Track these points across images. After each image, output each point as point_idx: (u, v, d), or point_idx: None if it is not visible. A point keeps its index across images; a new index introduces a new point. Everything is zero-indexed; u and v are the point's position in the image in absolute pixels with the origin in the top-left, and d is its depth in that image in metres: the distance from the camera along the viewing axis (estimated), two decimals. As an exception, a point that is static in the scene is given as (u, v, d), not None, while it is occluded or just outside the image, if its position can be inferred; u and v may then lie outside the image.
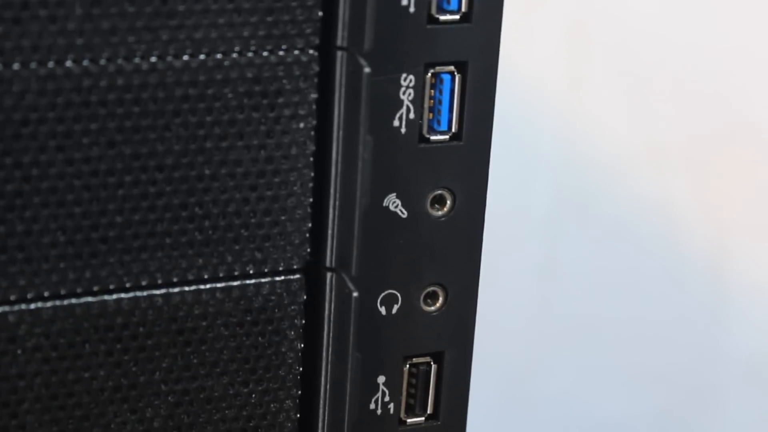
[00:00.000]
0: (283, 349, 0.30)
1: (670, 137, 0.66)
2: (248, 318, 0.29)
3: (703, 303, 0.68)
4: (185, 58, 0.27)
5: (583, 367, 0.70)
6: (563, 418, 0.71)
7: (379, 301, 0.30)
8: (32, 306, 0.28)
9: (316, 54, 0.28)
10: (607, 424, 0.70)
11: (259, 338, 0.30)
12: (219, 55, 0.27)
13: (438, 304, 0.31)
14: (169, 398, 0.29)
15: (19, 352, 0.28)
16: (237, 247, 0.29)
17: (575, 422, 0.70)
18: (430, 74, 0.29)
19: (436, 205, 0.30)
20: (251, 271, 0.29)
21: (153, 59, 0.27)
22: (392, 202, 0.30)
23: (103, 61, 0.27)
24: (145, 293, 0.28)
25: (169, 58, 0.27)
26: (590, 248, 0.69)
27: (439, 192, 0.30)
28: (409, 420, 0.31)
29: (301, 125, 0.29)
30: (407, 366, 0.31)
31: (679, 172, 0.67)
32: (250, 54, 0.28)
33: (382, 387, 0.31)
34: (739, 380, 0.68)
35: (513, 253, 0.69)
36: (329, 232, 0.30)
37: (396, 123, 0.29)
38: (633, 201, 0.68)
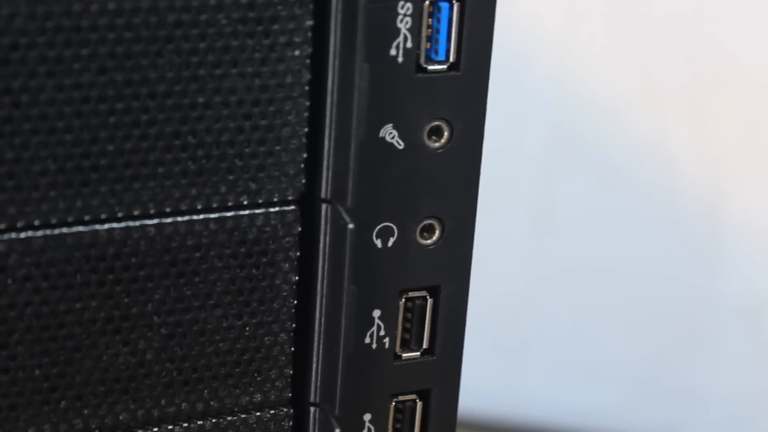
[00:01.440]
0: (278, 282, 0.29)
1: (667, 80, 0.65)
2: (242, 250, 0.29)
3: (698, 246, 0.68)
4: (178, -18, 0.27)
5: (577, 310, 0.70)
6: (556, 360, 0.70)
7: (374, 233, 0.30)
8: (22, 235, 0.27)
9: (311, -20, 0.28)
10: (600, 366, 0.70)
11: (253, 270, 0.29)
12: (213, -20, 0.27)
13: (434, 238, 0.30)
14: (162, 330, 0.29)
15: (9, 281, 0.27)
16: (231, 178, 0.28)
17: (568, 365, 0.70)
18: (428, 2, 0.28)
19: (434, 137, 0.30)
20: (245, 202, 0.29)
21: (145, -17, 0.26)
22: (389, 133, 0.29)
23: (94, -15, 0.26)
24: (137, 223, 0.28)
25: (162, -18, 0.27)
26: (585, 190, 0.68)
27: (437, 123, 0.30)
28: (404, 354, 0.31)
29: (297, 53, 0.28)
30: (403, 300, 0.30)
31: (675, 115, 0.66)
32: (244, -21, 0.27)
33: (377, 321, 0.30)
34: (733, 324, 0.68)
35: (506, 195, 0.68)
36: (325, 163, 0.29)
37: (393, 52, 0.28)
38: (628, 143, 0.68)
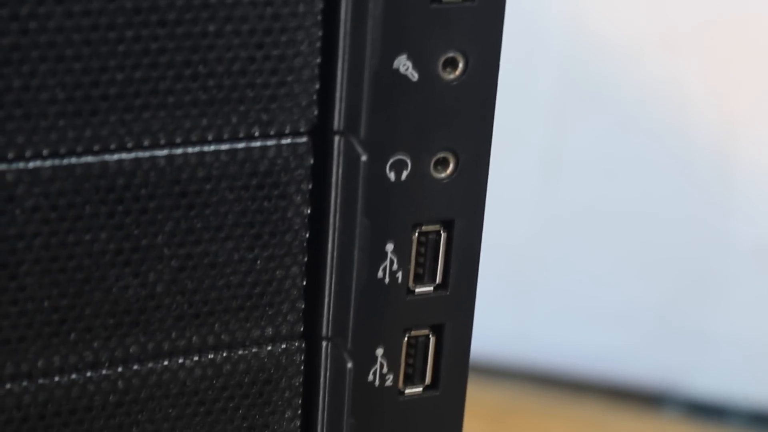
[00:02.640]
0: (289, 215, 0.29)
1: (680, 21, 0.65)
2: (253, 181, 0.29)
3: (710, 189, 0.68)
4: None
5: (588, 253, 0.69)
6: (567, 303, 0.70)
7: (388, 166, 0.29)
8: (30, 165, 0.27)
9: None
10: (610, 309, 0.70)
11: (265, 203, 0.29)
12: None
13: (448, 171, 0.30)
14: (172, 262, 0.28)
15: (17, 212, 0.27)
16: (242, 108, 0.28)
17: (579, 308, 0.70)
18: (443, -71, 0.28)
19: (448, 68, 0.29)
20: (256, 133, 0.28)
21: None
22: (403, 65, 0.29)
23: None
24: (147, 154, 0.28)
25: None
26: (596, 132, 0.68)
27: (452, 54, 0.29)
28: (417, 289, 0.31)
29: (309, -20, 0.28)
30: (416, 234, 0.30)
31: (688, 56, 0.65)
32: None
33: (390, 255, 0.30)
34: (744, 266, 0.68)
35: (517, 137, 0.68)
36: (337, 94, 0.29)
37: (408, -20, 0.28)
38: (640, 85, 0.67)
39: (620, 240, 0.69)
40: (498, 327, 0.70)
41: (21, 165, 0.27)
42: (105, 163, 0.27)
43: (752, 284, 0.68)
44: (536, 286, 0.71)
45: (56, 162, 0.27)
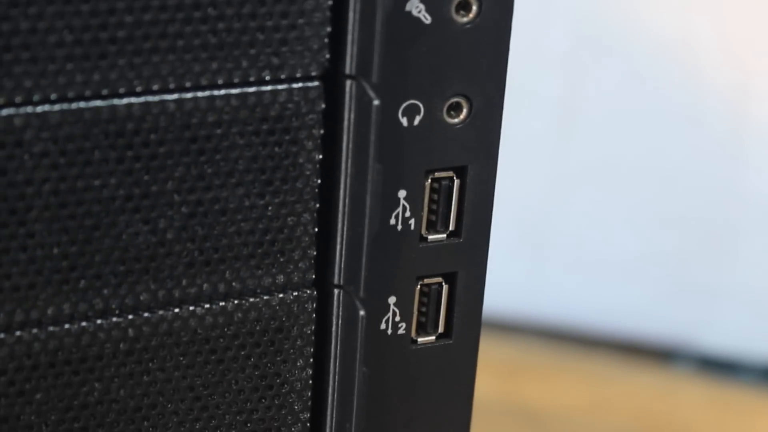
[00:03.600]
0: (301, 160, 0.29)
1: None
2: (264, 127, 0.28)
3: (722, 143, 0.67)
4: None
5: (600, 207, 0.69)
6: (579, 258, 0.70)
7: (400, 111, 0.29)
8: (39, 109, 0.26)
9: None
10: (623, 264, 0.70)
11: (276, 148, 0.28)
12: None
13: (462, 116, 0.29)
14: (183, 209, 0.28)
15: (25, 157, 0.26)
16: (252, 52, 0.28)
17: (591, 262, 0.70)
18: None
19: (462, 11, 0.29)
20: (267, 78, 0.28)
21: None
22: (415, 7, 0.28)
23: None
24: (156, 98, 0.27)
25: None
26: (609, 86, 0.67)
27: (465, -4, 0.29)
28: (430, 236, 0.30)
29: None
30: (429, 180, 0.30)
31: (701, 9, 0.65)
32: None
33: (403, 201, 0.30)
34: (757, 220, 0.68)
35: (530, 92, 0.67)
36: (349, 37, 0.28)
37: None
38: (653, 39, 0.66)
39: (632, 194, 0.68)
40: (508, 282, 0.70)
41: (29, 109, 0.26)
42: (114, 108, 0.27)
43: (765, 238, 0.68)
44: (547, 240, 0.70)
45: (64, 106, 0.26)
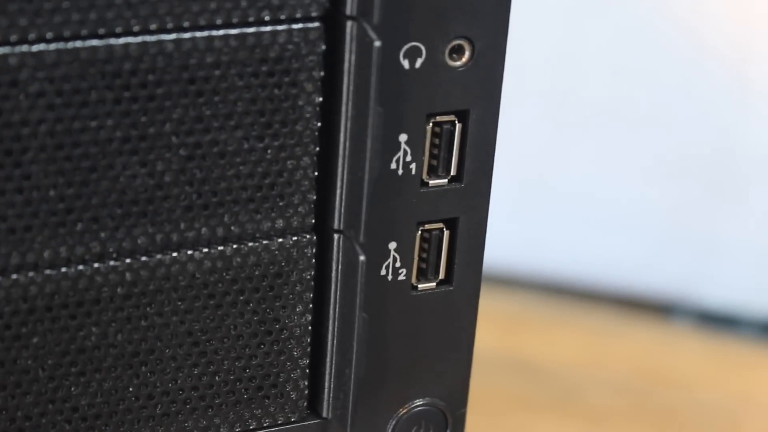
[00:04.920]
0: (300, 103, 0.28)
1: None
2: (264, 68, 0.28)
3: (725, 94, 0.67)
4: None
5: (600, 160, 0.68)
6: (579, 211, 0.70)
7: (401, 53, 0.28)
8: (34, 48, 0.26)
9: None
10: (624, 216, 0.69)
11: (275, 90, 0.28)
12: None
13: (464, 59, 0.29)
14: (181, 151, 0.28)
15: (21, 97, 0.26)
16: (252, -9, 0.27)
17: (592, 215, 0.69)
18: None
19: (464, -48, 0.28)
20: (267, 18, 0.27)
21: None
22: (417, -53, 0.28)
23: None
24: (154, 38, 0.27)
25: None
26: (610, 35, 0.67)
27: (467, -63, 0.28)
28: (431, 181, 0.30)
29: None
30: (430, 124, 0.29)
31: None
32: None
33: (404, 146, 0.29)
34: (759, 173, 0.67)
35: (529, 42, 0.67)
36: (350, -23, 0.28)
37: None
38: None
39: (632, 147, 0.68)
40: (507, 236, 0.69)
41: (24, 48, 0.26)
42: (111, 48, 0.26)
43: (766, 191, 0.67)
44: (546, 193, 0.70)
45: (60, 46, 0.26)
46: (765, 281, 0.69)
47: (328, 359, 0.31)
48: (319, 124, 0.29)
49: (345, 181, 0.29)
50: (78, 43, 0.26)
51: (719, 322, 0.69)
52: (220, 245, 0.29)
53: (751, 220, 0.68)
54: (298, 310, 0.30)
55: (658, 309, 0.69)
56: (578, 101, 0.68)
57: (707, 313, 0.69)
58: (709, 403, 0.61)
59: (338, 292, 0.30)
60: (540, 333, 0.67)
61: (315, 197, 0.29)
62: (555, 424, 0.59)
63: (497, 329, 0.66)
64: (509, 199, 0.69)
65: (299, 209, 0.29)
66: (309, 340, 0.30)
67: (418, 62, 0.29)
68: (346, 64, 0.28)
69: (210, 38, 0.27)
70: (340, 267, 0.30)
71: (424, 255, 0.30)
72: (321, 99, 0.28)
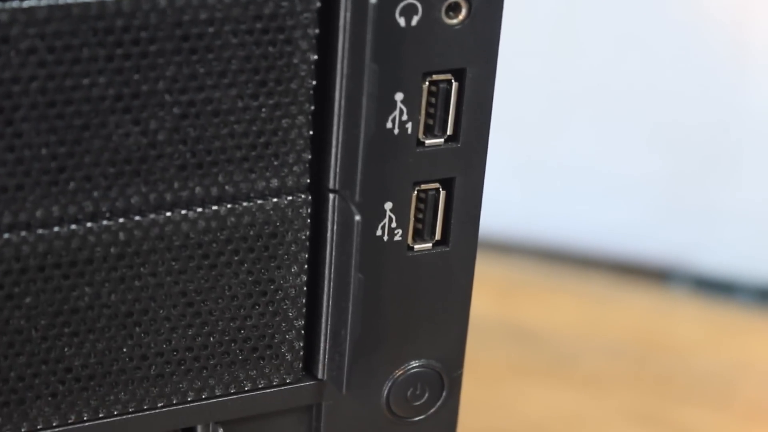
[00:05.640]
0: (295, 61, 0.28)
1: None
2: (258, 25, 0.27)
3: (723, 62, 0.66)
4: None
5: (599, 127, 0.68)
6: (577, 177, 0.69)
7: (397, 11, 0.28)
8: (25, 4, 0.25)
9: None
10: (621, 184, 0.69)
11: (270, 48, 0.28)
12: None
13: (461, 17, 0.29)
14: (174, 110, 0.27)
15: (12, 53, 0.26)
16: (245, -53, 0.27)
17: (589, 182, 0.69)
18: None
19: None
20: (261, -26, 0.27)
21: None
22: None
23: None
24: (146, -6, 0.26)
25: None
26: (609, 3, 0.66)
27: None
28: (427, 141, 0.30)
29: None
30: (426, 83, 0.29)
31: None
32: None
33: (399, 105, 0.29)
34: (757, 141, 0.67)
35: (526, 10, 0.66)
36: (345, -66, 0.27)
37: None
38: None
39: (630, 114, 0.68)
40: (505, 202, 0.69)
41: (15, 4, 0.25)
42: (103, 4, 0.26)
43: (763, 159, 0.67)
44: (544, 159, 0.70)
45: (52, 2, 0.26)
46: (761, 248, 0.69)
47: (323, 320, 0.30)
48: (314, 82, 0.28)
49: (340, 140, 0.29)
50: (70, 0, 0.26)
51: (716, 288, 0.68)
52: (214, 205, 0.28)
53: (748, 188, 0.68)
54: (293, 270, 0.30)
55: (655, 275, 0.69)
56: (576, 69, 0.67)
57: (704, 280, 0.69)
58: (706, 369, 0.61)
59: (333, 253, 0.30)
60: (537, 299, 0.66)
61: (310, 156, 0.29)
62: (551, 390, 0.58)
63: (494, 295, 0.65)
64: (507, 166, 0.69)
65: (294, 169, 0.29)
66: (304, 300, 0.30)
67: (414, 20, 0.28)
68: (342, 21, 0.28)
69: (203, -6, 0.27)
70: (335, 227, 0.30)
71: (420, 215, 0.30)
72: (316, 57, 0.28)
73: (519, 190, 0.70)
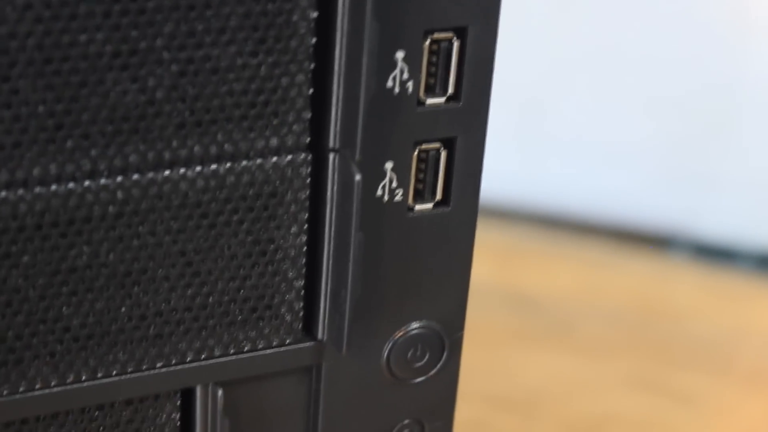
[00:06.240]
0: (295, 18, 0.28)
1: None
2: (257, -18, 0.27)
3: (722, 29, 0.66)
4: None
5: (597, 93, 0.68)
6: (575, 144, 0.69)
7: (398, -32, 0.28)
8: (21, -42, 0.25)
9: None
10: (619, 150, 0.69)
11: (269, 4, 0.27)
12: None
13: (462, -26, 0.28)
14: (173, 67, 0.27)
15: (8, 9, 0.25)
16: None
17: (587, 148, 0.69)
18: None
19: None
20: (260, -71, 0.27)
21: None
22: None
23: None
24: (144, -51, 0.26)
25: None
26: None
27: None
28: (428, 100, 0.29)
29: None
30: (428, 41, 0.29)
31: None
32: None
33: (400, 63, 0.29)
34: (756, 108, 0.67)
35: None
36: None
37: None
38: None
39: (630, 80, 0.67)
40: (504, 168, 0.69)
41: (11, -41, 0.25)
42: (100, -41, 0.26)
43: (763, 125, 0.67)
44: (543, 126, 0.69)
45: (48, -44, 0.25)
46: (761, 214, 0.68)
47: (323, 280, 0.30)
48: (314, 40, 0.28)
49: (340, 99, 0.29)
50: (66, -48, 0.25)
51: (715, 254, 0.68)
52: (214, 164, 0.28)
53: (748, 154, 0.67)
54: (292, 230, 0.29)
55: (655, 241, 0.69)
56: (575, 35, 0.67)
57: (703, 246, 0.69)
58: (705, 336, 0.61)
59: (333, 213, 0.30)
60: (536, 266, 0.66)
61: (310, 115, 0.29)
62: (549, 356, 0.58)
63: (493, 261, 0.65)
64: (506, 131, 0.69)
65: (294, 127, 0.29)
66: (304, 261, 0.30)
67: (416, -24, 0.28)
68: (342, -22, 0.28)
69: (202, -50, 0.26)
70: (335, 187, 0.29)
71: (421, 176, 0.30)
72: (316, 14, 0.28)
73: (518, 156, 0.70)
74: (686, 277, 0.66)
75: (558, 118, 0.69)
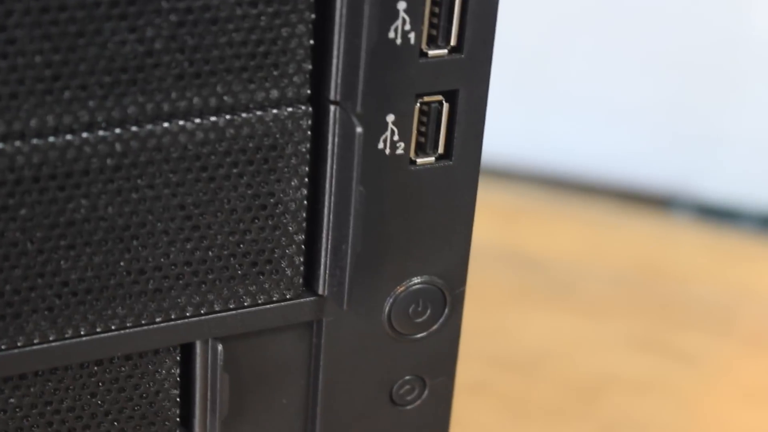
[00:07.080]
0: (295, -34, 0.27)
1: None
2: (257, -70, 0.27)
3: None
4: None
5: (601, 51, 0.67)
6: (577, 104, 0.69)
7: None
8: None
9: None
10: (621, 110, 0.68)
11: (269, -47, 0.27)
12: None
13: (465, -77, 0.28)
14: (171, 17, 0.27)
15: (4, -44, 0.25)
16: None
17: (589, 108, 0.69)
18: None
19: None
20: None
21: None
22: None
23: None
24: None
25: None
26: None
27: None
28: (430, 52, 0.29)
29: None
30: (430, -9, 0.28)
31: None
32: None
33: (402, 14, 0.28)
34: (759, 68, 0.66)
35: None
36: None
37: None
38: None
39: (632, 39, 0.67)
40: (506, 129, 0.69)
41: None
42: None
43: (765, 87, 0.66)
44: (546, 86, 0.69)
45: None
46: (765, 174, 0.68)
47: (324, 235, 0.30)
48: (314, -12, 0.28)
49: (341, 50, 0.28)
50: None
51: (718, 215, 0.68)
52: (213, 116, 0.28)
53: (752, 114, 0.67)
54: (293, 183, 0.29)
55: (658, 202, 0.69)
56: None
57: (706, 206, 0.68)
58: (707, 296, 0.61)
59: (335, 166, 0.29)
60: (538, 226, 0.66)
61: (310, 67, 0.28)
62: (552, 316, 0.58)
63: (495, 222, 0.65)
64: (508, 92, 0.68)
65: (294, 79, 0.28)
66: (304, 215, 0.30)
67: (418, -75, 0.27)
68: (343, -68, 0.27)
69: None
70: (336, 140, 0.29)
71: (423, 128, 0.30)
72: (317, -37, 0.27)
73: (521, 116, 0.70)
74: (689, 237, 0.66)
75: (561, 78, 0.68)
